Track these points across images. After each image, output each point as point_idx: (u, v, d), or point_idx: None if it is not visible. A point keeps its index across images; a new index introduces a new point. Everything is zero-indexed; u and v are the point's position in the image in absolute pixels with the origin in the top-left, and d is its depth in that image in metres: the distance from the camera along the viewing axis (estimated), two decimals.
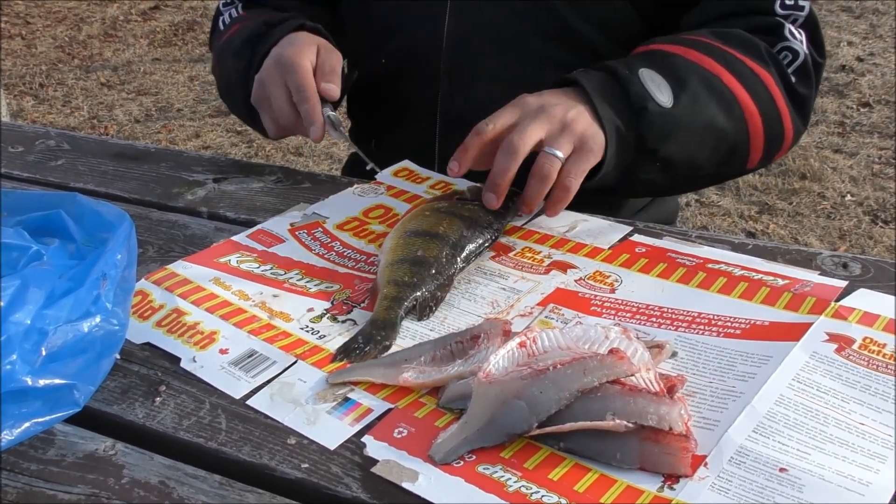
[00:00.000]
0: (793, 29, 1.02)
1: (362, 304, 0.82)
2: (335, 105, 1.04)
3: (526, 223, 0.95)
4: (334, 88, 1.01)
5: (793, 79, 1.01)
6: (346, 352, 0.74)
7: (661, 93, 0.93)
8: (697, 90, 0.95)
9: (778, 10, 1.02)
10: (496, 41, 1.09)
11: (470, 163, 0.91)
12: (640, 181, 0.97)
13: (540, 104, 0.89)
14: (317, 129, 0.99)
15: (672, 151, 0.95)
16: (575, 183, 0.89)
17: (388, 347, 0.75)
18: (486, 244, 0.89)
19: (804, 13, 1.03)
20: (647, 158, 0.95)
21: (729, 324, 0.75)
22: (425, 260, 0.84)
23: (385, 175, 1.06)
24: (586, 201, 0.96)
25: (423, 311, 0.80)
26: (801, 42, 1.02)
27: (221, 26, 1.22)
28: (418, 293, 0.80)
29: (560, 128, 0.88)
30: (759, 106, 0.98)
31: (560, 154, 0.87)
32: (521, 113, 0.89)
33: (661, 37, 1.02)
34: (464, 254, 0.86)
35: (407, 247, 0.86)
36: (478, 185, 0.94)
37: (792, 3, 1.03)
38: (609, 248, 0.89)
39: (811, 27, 1.04)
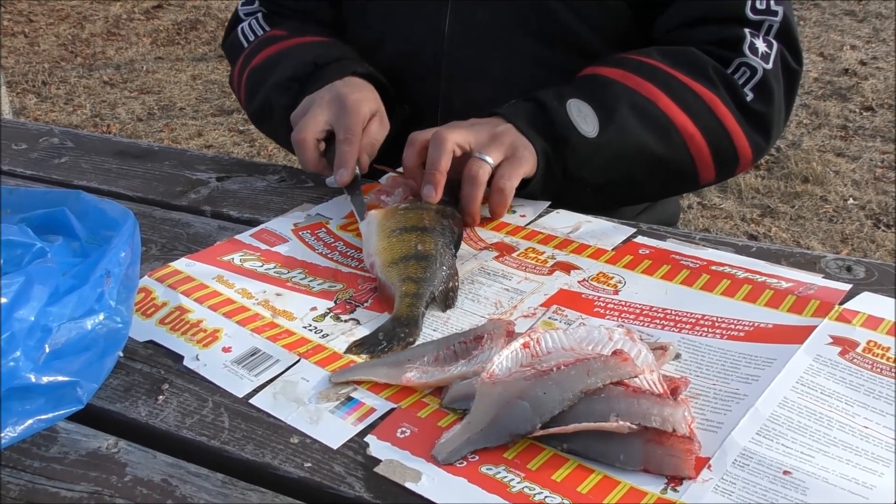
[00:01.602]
0: (757, 42, 1.01)
1: (365, 304, 0.82)
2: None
3: (529, 223, 0.95)
4: (367, 162, 1.02)
5: (749, 96, 1.01)
6: (364, 346, 0.75)
7: (587, 123, 0.96)
8: (626, 118, 0.97)
9: (749, 14, 1.02)
10: (495, 43, 1.09)
11: (415, 171, 0.94)
12: (574, 203, 0.99)
13: (469, 123, 0.94)
14: (345, 173, 0.97)
15: (599, 178, 0.98)
16: (509, 185, 0.91)
17: (413, 343, 0.75)
18: (461, 230, 0.91)
19: (778, 18, 1.02)
20: (574, 185, 0.98)
21: (732, 326, 0.75)
22: (428, 253, 0.85)
23: (388, 177, 1.06)
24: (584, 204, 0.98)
25: (446, 299, 0.81)
26: (767, 55, 1.01)
27: (243, 39, 1.20)
28: (432, 287, 0.81)
29: (489, 138, 0.92)
30: (701, 128, 0.99)
31: (489, 159, 0.91)
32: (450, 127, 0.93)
33: (609, 57, 1.03)
34: (454, 240, 0.88)
35: (403, 244, 0.86)
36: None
37: (763, 6, 1.02)
38: (612, 250, 0.89)
39: (786, 35, 1.03)
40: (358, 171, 1.00)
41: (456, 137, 0.91)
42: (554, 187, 0.98)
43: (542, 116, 0.96)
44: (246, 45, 1.20)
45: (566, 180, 0.97)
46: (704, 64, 1.01)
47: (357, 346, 0.75)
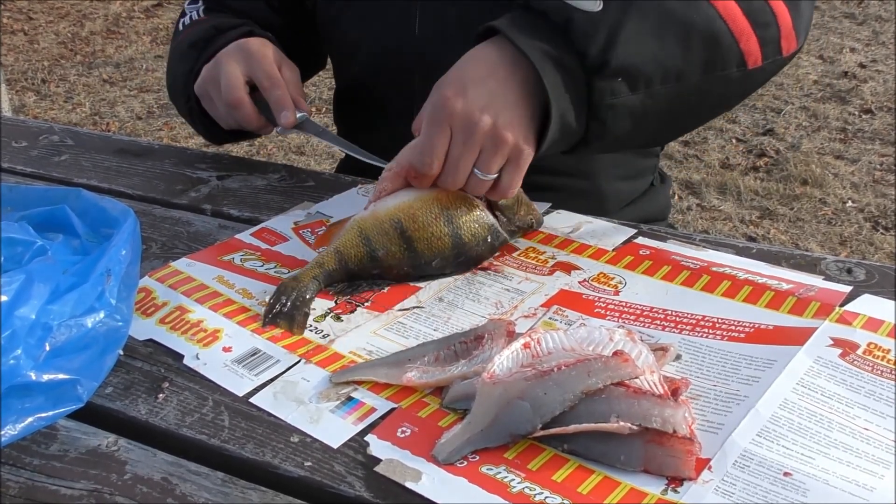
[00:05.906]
0: None
1: (366, 304, 0.82)
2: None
3: None
4: (305, 104, 1.04)
5: None
6: (270, 315, 0.78)
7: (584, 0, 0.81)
8: None
9: None
10: (466, 40, 1.07)
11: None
12: (615, 110, 0.82)
13: (465, 110, 0.80)
14: (288, 114, 0.99)
15: (627, 58, 0.80)
16: (512, 192, 0.84)
17: (304, 312, 0.79)
18: (453, 273, 0.86)
19: None
20: (603, 77, 0.80)
21: (733, 327, 0.75)
22: (378, 261, 0.84)
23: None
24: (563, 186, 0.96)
25: (342, 293, 0.83)
26: None
27: (181, 27, 1.20)
28: (340, 276, 0.83)
29: (492, 144, 0.80)
30: None
31: (490, 176, 0.82)
32: (449, 129, 0.81)
33: None
34: (421, 272, 0.85)
35: (383, 234, 0.84)
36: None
37: None
38: (613, 250, 0.89)
39: None
40: (304, 114, 1.02)
41: (463, 176, 0.82)
42: (580, 91, 0.81)
43: (533, 15, 0.83)
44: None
45: (589, 74, 0.80)
46: None
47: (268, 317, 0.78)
